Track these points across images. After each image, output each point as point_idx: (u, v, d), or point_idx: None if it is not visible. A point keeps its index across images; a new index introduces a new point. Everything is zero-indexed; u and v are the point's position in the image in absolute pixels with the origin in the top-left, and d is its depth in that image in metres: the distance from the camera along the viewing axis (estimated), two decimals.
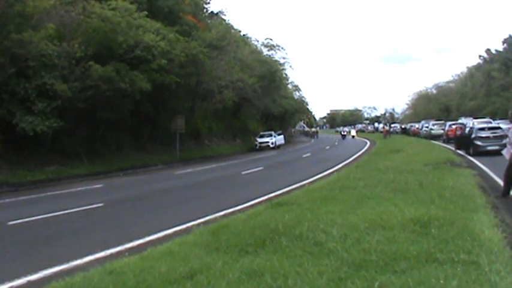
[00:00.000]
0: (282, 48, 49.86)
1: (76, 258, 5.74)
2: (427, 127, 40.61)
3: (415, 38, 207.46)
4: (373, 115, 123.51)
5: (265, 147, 38.71)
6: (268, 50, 48.56)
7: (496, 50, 58.51)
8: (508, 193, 8.28)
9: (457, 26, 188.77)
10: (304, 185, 11.85)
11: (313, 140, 63.04)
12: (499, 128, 19.46)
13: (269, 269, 4.04)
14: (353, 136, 57.76)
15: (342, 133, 61.52)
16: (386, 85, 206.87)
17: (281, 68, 48.02)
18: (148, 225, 7.88)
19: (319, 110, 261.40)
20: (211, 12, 35.43)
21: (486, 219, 5.68)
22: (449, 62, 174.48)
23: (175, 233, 7.00)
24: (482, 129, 19.37)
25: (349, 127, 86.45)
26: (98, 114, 20.42)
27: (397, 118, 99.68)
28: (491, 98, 53.67)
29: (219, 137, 38.47)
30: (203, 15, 33.39)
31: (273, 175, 16.94)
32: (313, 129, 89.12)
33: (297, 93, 66.18)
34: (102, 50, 19.76)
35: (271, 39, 49.73)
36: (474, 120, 27.22)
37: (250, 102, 40.17)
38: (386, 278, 3.65)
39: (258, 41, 49.80)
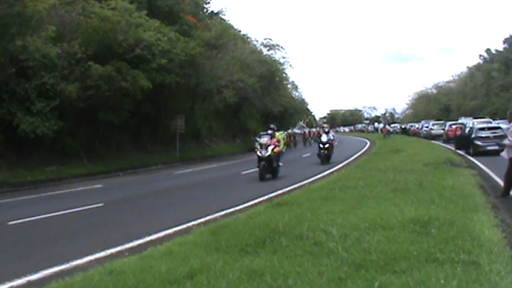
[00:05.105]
0: (282, 47, 49.56)
1: (76, 258, 5.74)
2: (427, 127, 40.61)
3: (419, 37, 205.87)
4: (373, 115, 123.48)
5: None
6: (268, 50, 48.39)
7: (496, 50, 58.65)
8: (508, 193, 8.30)
9: (461, 25, 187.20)
10: (304, 185, 11.86)
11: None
12: (499, 128, 19.50)
13: (269, 269, 4.05)
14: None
15: (320, 145, 20.61)
16: (387, 85, 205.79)
17: (281, 67, 47.82)
18: (148, 225, 7.87)
19: (319, 110, 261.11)
20: (211, 12, 35.39)
21: (486, 219, 5.69)
22: (452, 61, 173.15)
23: (175, 233, 7.00)
24: (482, 129, 19.40)
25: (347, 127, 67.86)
26: (98, 114, 20.42)
27: (397, 118, 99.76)
28: (491, 98, 53.71)
29: (219, 137, 38.45)
30: (203, 15, 33.37)
31: None
32: (307, 130, 54.94)
33: (297, 93, 66.17)
34: (102, 49, 19.75)
35: (270, 39, 49.55)
36: (474, 120, 27.25)
37: (250, 102, 40.08)
38: (386, 278, 3.66)
39: (257, 41, 49.66)
